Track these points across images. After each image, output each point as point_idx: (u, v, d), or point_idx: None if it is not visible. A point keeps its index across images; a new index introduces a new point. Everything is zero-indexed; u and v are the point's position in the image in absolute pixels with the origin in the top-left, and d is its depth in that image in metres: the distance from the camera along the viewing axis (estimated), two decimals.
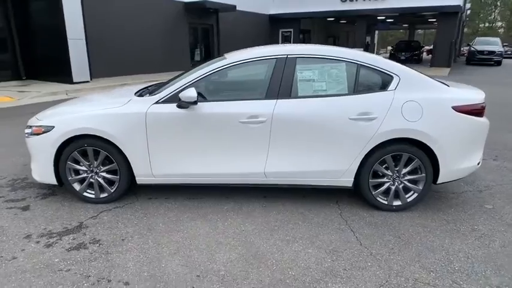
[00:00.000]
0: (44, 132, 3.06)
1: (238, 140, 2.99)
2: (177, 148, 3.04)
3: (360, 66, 3.03)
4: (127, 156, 3.05)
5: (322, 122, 2.92)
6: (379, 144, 2.95)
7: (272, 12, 22.25)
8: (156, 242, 2.61)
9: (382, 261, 2.40)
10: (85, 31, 10.85)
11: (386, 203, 3.11)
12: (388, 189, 3.11)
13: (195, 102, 2.92)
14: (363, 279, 2.22)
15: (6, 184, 3.59)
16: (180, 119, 2.98)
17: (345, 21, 28.46)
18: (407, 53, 24.56)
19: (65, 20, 10.25)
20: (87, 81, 11.17)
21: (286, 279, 2.22)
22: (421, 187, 3.06)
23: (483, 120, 3.05)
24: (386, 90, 2.98)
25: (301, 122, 2.93)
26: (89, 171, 3.15)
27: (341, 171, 3.02)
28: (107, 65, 12.21)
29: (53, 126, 3.04)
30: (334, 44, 30.26)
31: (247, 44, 20.33)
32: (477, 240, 2.66)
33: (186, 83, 3.04)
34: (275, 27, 22.70)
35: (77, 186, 3.17)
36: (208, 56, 18.11)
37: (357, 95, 2.97)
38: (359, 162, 3.00)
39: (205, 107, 2.98)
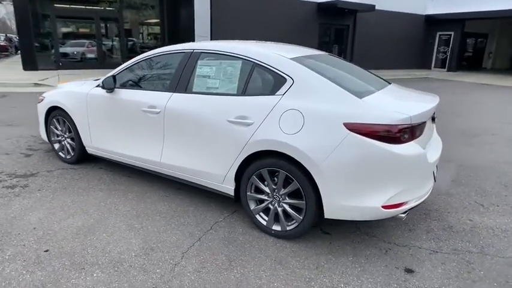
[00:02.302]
0: (41, 101, 4.02)
1: (141, 127, 3.17)
2: (105, 126, 3.46)
3: (255, 65, 2.69)
4: (77, 126, 3.68)
5: (205, 120, 2.77)
6: (255, 154, 2.59)
7: (430, 12, 19.54)
8: (59, 200, 3.14)
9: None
10: (211, 30, 12.45)
11: (265, 224, 2.69)
12: (268, 209, 2.69)
13: (111, 89, 3.29)
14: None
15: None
16: (105, 102, 3.39)
17: None
18: None
19: (195, 21, 12.06)
20: None
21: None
22: (301, 216, 2.51)
23: (399, 148, 2.22)
24: (274, 95, 2.55)
25: (188, 118, 2.86)
26: (60, 137, 3.96)
27: (221, 176, 2.80)
28: None
29: (44, 98, 3.96)
30: None
31: (391, 47, 18.72)
32: None
33: (117, 71, 3.41)
34: (432, 29, 19.87)
35: (56, 146, 4.04)
36: (341, 56, 17.61)
37: (242, 97, 2.67)
38: (235, 171, 2.70)
39: (121, 93, 3.29)
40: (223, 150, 2.72)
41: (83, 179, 3.59)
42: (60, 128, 3.92)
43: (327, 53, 3.46)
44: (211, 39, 12.51)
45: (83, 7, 13.21)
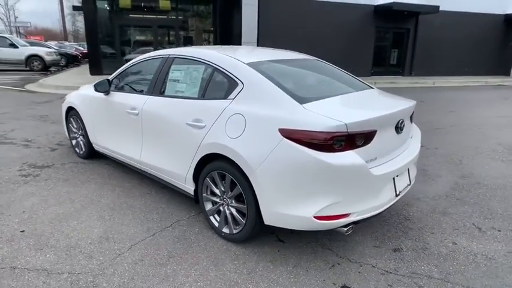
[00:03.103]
0: (63, 102, 4.56)
1: (126, 127, 3.43)
2: (102, 125, 3.81)
3: (214, 69, 2.76)
4: (85, 125, 4.10)
5: (170, 123, 2.92)
6: (209, 156, 2.65)
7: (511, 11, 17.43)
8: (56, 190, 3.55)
9: None
10: (258, 37, 12.69)
11: (217, 225, 2.73)
12: (220, 211, 2.72)
13: (106, 92, 3.62)
14: None
15: None
16: (102, 103, 3.74)
17: None
18: None
19: (242, 27, 12.41)
20: None
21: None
22: (244, 221, 2.50)
23: (330, 156, 2.10)
24: (226, 98, 2.59)
25: (159, 120, 3.03)
26: (76, 134, 4.44)
27: (183, 176, 2.91)
28: None
29: (65, 99, 4.48)
30: None
31: (460, 52, 17.08)
32: None
33: (113, 76, 3.74)
34: None
35: (73, 142, 4.53)
36: (400, 63, 16.62)
37: (200, 100, 2.75)
38: (192, 172, 2.79)
39: (114, 95, 3.59)
40: (183, 152, 2.83)
41: (86, 172, 3.99)
42: (75, 126, 4.40)
43: (313, 58, 3.39)
44: (257, 46, 12.76)
45: (145, 16, 14.47)
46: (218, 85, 2.73)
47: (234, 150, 2.39)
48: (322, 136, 2.09)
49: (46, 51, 16.76)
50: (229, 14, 13.72)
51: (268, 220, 2.36)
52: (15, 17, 58.63)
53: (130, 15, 14.21)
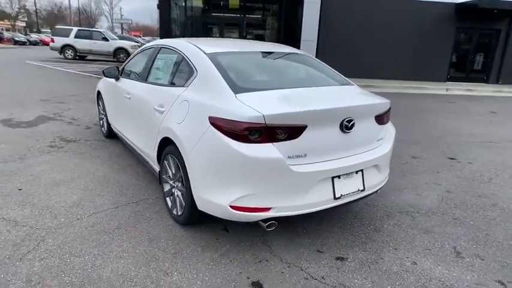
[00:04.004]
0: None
1: (124, 109, 3.77)
2: (112, 107, 4.23)
3: (182, 58, 2.89)
4: (105, 107, 4.58)
5: (146, 107, 3.14)
6: (165, 139, 2.80)
7: None
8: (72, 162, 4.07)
9: None
10: (318, 34, 12.41)
11: (170, 206, 2.87)
12: (173, 193, 2.84)
13: (116, 78, 4.00)
14: None
15: None
16: (113, 88, 4.14)
17: None
18: None
19: (302, 25, 12.27)
20: None
21: None
22: (184, 204, 2.59)
23: (245, 147, 2.09)
24: (184, 86, 2.70)
25: (139, 104, 3.29)
26: (102, 115, 4.96)
27: (152, 157, 3.10)
28: (336, 66, 13.29)
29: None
30: None
31: None
32: None
33: (125, 63, 4.10)
34: None
35: (100, 122, 5.10)
36: (485, 69, 14.72)
37: (167, 87, 2.92)
38: (155, 154, 2.97)
39: (121, 81, 3.95)
40: (151, 134, 3.04)
41: (99, 149, 4.47)
42: (102, 108, 4.94)
43: (294, 52, 3.32)
44: (317, 46, 12.51)
45: (213, 14, 15.25)
46: (182, 73, 2.86)
47: (176, 134, 2.50)
48: (238, 126, 2.08)
49: (131, 44, 18.74)
50: (293, 12, 13.67)
51: (199, 205, 2.42)
52: (121, 15, 66.50)
53: (201, 14, 15.09)
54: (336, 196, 2.33)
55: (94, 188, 3.35)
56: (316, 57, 12.41)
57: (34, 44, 36.96)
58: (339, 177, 2.34)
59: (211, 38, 3.63)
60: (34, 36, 40.97)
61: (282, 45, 3.58)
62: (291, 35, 13.76)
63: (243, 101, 2.22)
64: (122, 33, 47.12)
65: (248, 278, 2.22)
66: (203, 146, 2.26)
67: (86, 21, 59.37)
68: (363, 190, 2.50)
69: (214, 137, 2.19)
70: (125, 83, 3.83)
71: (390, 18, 13.33)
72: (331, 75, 3.04)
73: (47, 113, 6.29)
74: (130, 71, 3.95)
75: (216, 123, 2.19)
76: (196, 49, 2.83)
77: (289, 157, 2.15)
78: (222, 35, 15.27)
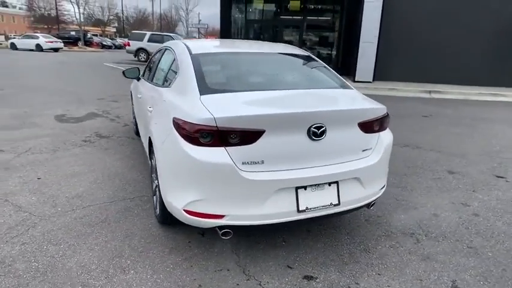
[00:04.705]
0: None
1: (138, 109, 3.95)
2: (135, 107, 4.44)
3: (174, 59, 2.92)
4: (132, 104, 4.85)
5: (144, 106, 3.26)
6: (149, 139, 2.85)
7: None
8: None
9: None
10: (379, 35, 11.66)
11: (154, 204, 2.91)
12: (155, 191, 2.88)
13: (137, 78, 4.21)
14: None
15: None
16: (135, 88, 4.36)
17: None
18: None
19: (362, 25, 11.65)
20: (369, 82, 12.12)
21: None
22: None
23: (195, 150, 2.03)
24: (168, 86, 2.74)
25: (144, 104, 3.41)
26: (134, 114, 5.27)
27: (147, 157, 3.19)
28: (398, 69, 12.37)
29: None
30: None
31: None
32: None
33: (146, 65, 4.30)
34: None
35: (133, 121, 5.41)
36: None
37: (160, 88, 2.98)
38: (148, 153, 3.04)
39: (140, 81, 4.14)
40: (145, 134, 3.12)
41: (125, 146, 4.75)
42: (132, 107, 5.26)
43: (300, 53, 3.15)
44: (377, 48, 11.76)
45: (274, 17, 15.30)
46: (172, 73, 2.90)
47: (153, 135, 2.54)
48: (191, 128, 2.03)
49: None
50: (353, 13, 13.07)
51: (166, 206, 2.41)
52: (199, 20, 70.50)
53: (260, 16, 15.26)
54: (300, 209, 2.14)
55: (101, 182, 3.56)
56: (376, 60, 11.75)
57: (119, 48, 41.06)
58: (304, 188, 2.14)
59: (217, 39, 3.64)
60: (119, 41, 45.54)
61: (289, 46, 3.43)
62: (351, 37, 13.20)
63: (204, 102, 2.16)
64: (199, 37, 49.92)
65: (200, 286, 2.15)
66: (167, 147, 2.26)
67: (167, 26, 64.19)
68: (338, 205, 2.25)
69: (173, 138, 2.17)
70: (141, 83, 4.02)
71: (465, 17, 11.97)
72: (323, 79, 2.82)
73: (97, 110, 6.91)
74: (146, 71, 4.13)
75: (176, 124, 2.17)
76: (185, 50, 2.84)
77: (243, 163, 2.03)
78: (281, 38, 15.25)
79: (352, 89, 2.74)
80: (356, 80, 12.18)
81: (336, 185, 2.23)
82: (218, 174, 2.01)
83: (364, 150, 2.37)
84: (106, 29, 54.09)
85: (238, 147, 2.02)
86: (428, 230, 2.90)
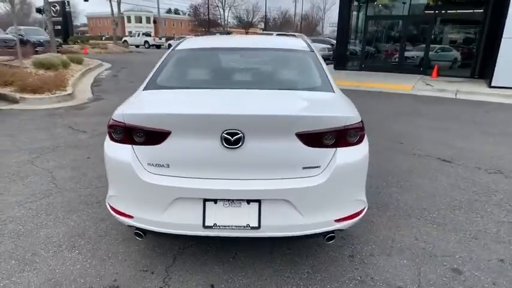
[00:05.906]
0: None
1: None
2: None
3: None
4: None
5: None
6: None
7: None
8: None
9: None
10: None
11: None
12: None
13: None
14: None
15: None
16: None
17: None
18: None
19: (508, 15, 9.33)
20: (511, 88, 9.60)
21: None
22: None
23: (108, 145, 2.02)
24: None
25: None
26: None
27: None
28: None
29: None
30: None
31: None
32: None
33: None
34: None
35: None
36: None
37: None
38: None
39: None
40: None
41: None
42: None
43: (299, 49, 2.79)
44: None
45: (393, 14, 13.77)
46: None
47: None
48: (109, 122, 2.03)
49: (320, 47, 19.50)
50: (499, 8, 10.61)
51: None
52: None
53: (380, 13, 13.97)
54: (206, 224, 1.88)
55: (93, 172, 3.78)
56: None
57: None
58: (214, 201, 1.87)
59: (222, 36, 3.57)
60: None
61: (295, 40, 3.15)
62: (495, 33, 10.81)
63: (139, 97, 2.19)
64: None
65: (115, 280, 2.16)
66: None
67: (307, 27, 65.24)
68: (257, 228, 1.88)
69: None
70: None
71: None
72: (297, 79, 2.42)
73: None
74: None
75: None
76: (174, 44, 2.92)
77: (149, 164, 1.92)
78: (404, 35, 13.62)
79: (333, 92, 2.24)
80: (492, 85, 9.85)
81: (257, 204, 1.87)
82: (119, 171, 1.98)
83: (305, 168, 1.89)
84: (250, 30, 58.78)
85: (144, 146, 1.92)
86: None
